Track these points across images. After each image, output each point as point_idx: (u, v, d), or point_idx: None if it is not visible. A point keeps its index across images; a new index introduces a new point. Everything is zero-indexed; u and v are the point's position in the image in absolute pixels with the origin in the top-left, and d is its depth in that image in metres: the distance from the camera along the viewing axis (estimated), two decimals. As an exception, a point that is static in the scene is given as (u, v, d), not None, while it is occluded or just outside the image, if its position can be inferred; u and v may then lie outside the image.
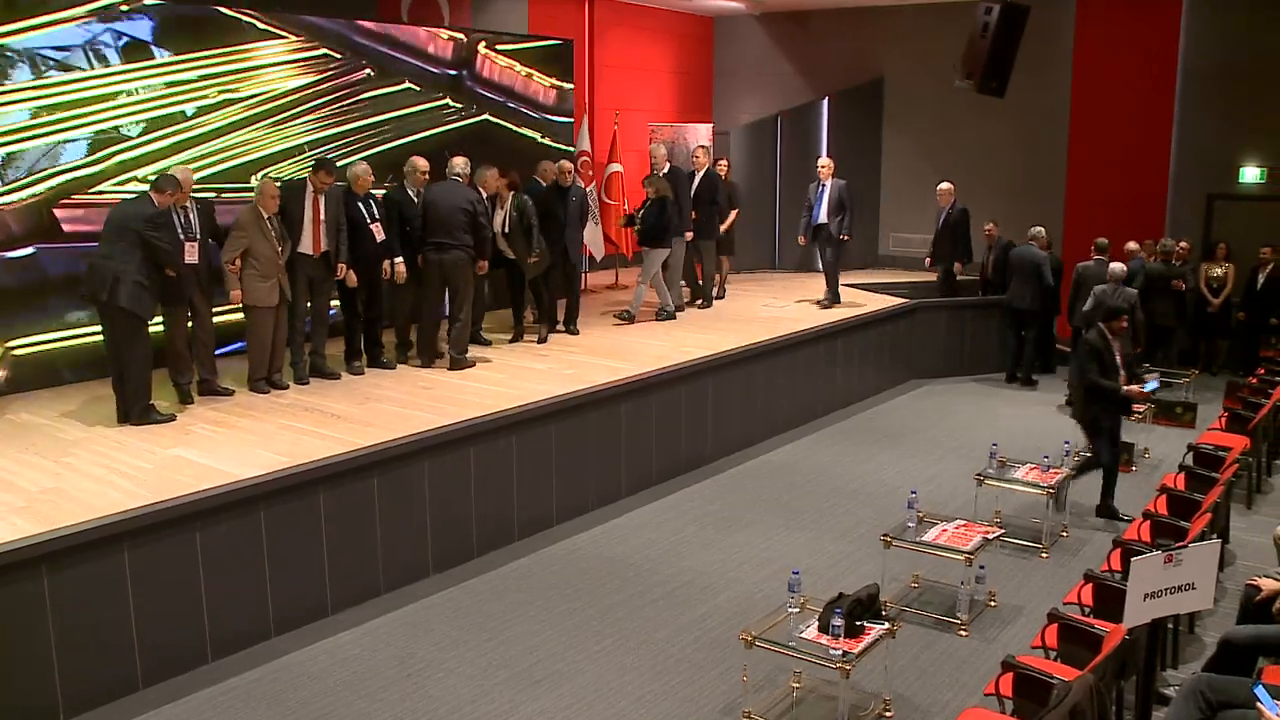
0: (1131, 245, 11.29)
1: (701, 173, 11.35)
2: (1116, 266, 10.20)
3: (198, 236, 7.32)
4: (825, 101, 14.83)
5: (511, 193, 9.41)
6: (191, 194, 7.40)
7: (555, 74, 11.99)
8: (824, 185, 11.37)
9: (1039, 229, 11.59)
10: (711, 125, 13.89)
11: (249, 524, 5.76)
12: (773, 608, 5.50)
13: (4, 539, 4.94)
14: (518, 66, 11.42)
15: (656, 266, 10.57)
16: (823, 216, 11.36)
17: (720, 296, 12.02)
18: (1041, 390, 11.59)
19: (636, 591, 6.53)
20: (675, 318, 10.75)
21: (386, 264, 8.37)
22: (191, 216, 7.32)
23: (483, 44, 11.02)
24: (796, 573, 5.19)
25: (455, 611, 6.25)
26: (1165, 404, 10.21)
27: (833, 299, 11.55)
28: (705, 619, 6.17)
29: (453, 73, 10.78)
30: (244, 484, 5.75)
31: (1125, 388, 7.52)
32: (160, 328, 7.33)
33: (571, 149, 12.14)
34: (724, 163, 12.28)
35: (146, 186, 7.24)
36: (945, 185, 12.21)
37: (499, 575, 6.77)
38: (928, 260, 12.55)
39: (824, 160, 11.55)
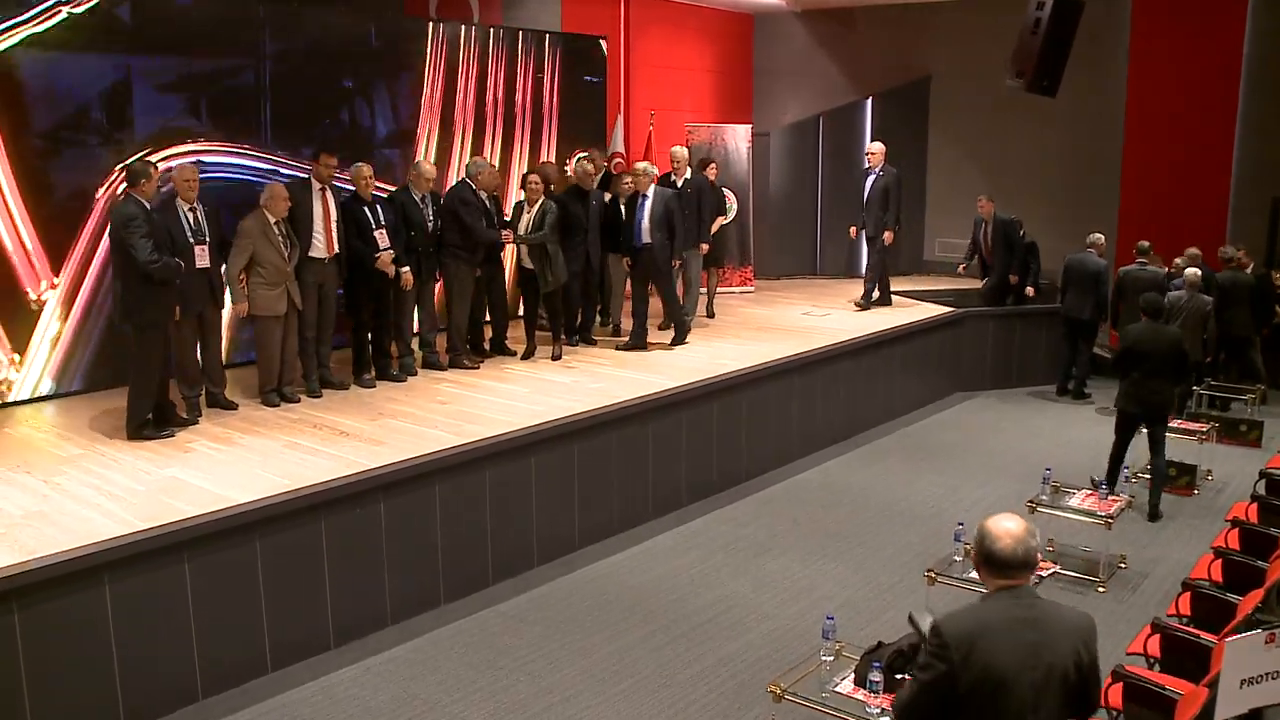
0: (1193, 251, 10.69)
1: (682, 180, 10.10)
2: (1192, 272, 9.75)
3: (208, 239, 6.96)
4: (869, 102, 14.29)
5: (542, 197, 8.75)
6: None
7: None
8: (644, 196, 9.08)
9: (1098, 236, 10.97)
10: (750, 126, 13.40)
11: (244, 553, 5.39)
12: (807, 646, 5.07)
13: (-25, 570, 4.60)
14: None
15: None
16: (645, 235, 9.07)
17: (709, 315, 10.94)
18: (1095, 403, 10.99)
19: (660, 625, 6.09)
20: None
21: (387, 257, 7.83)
22: (201, 217, 6.95)
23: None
24: (831, 619, 4.70)
25: (465, 647, 5.84)
26: (1229, 421, 9.60)
27: (680, 336, 9.52)
28: (733, 659, 5.71)
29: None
30: (239, 510, 5.39)
31: None
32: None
33: None
34: (712, 166, 11.05)
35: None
36: (876, 145, 11.25)
37: (514, 606, 6.36)
38: (852, 230, 11.64)
39: (642, 164, 9.34)
